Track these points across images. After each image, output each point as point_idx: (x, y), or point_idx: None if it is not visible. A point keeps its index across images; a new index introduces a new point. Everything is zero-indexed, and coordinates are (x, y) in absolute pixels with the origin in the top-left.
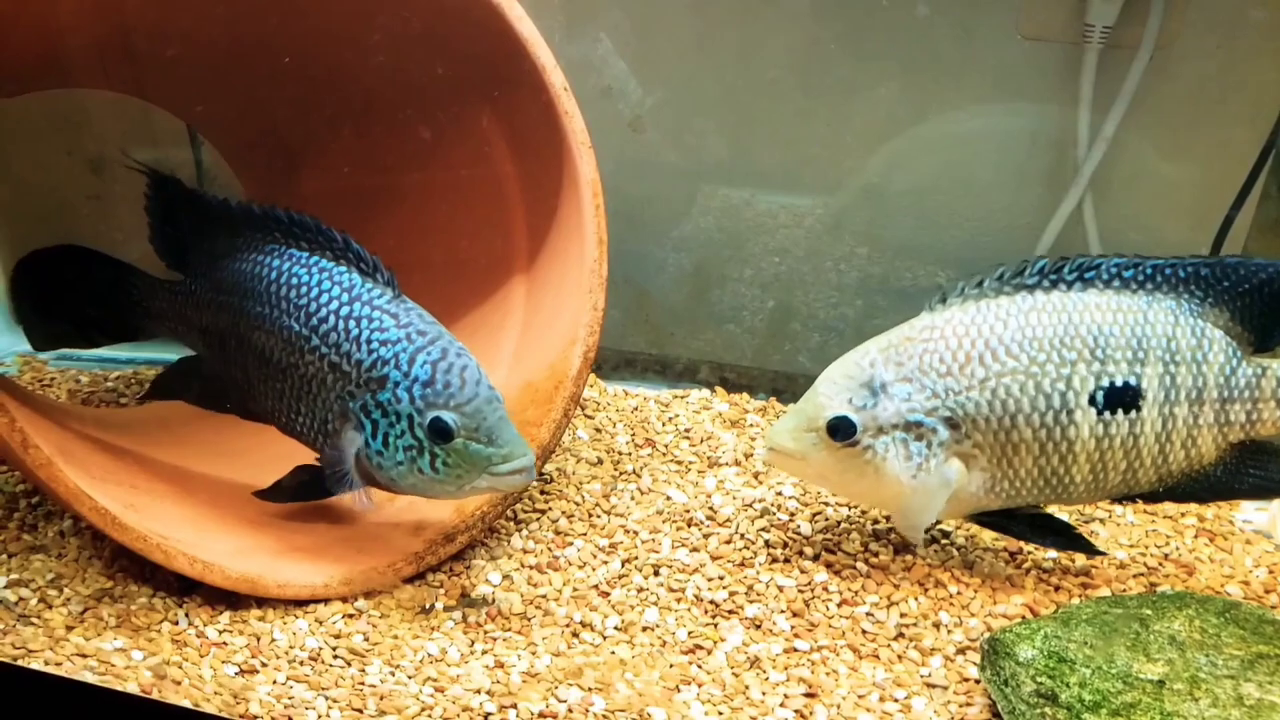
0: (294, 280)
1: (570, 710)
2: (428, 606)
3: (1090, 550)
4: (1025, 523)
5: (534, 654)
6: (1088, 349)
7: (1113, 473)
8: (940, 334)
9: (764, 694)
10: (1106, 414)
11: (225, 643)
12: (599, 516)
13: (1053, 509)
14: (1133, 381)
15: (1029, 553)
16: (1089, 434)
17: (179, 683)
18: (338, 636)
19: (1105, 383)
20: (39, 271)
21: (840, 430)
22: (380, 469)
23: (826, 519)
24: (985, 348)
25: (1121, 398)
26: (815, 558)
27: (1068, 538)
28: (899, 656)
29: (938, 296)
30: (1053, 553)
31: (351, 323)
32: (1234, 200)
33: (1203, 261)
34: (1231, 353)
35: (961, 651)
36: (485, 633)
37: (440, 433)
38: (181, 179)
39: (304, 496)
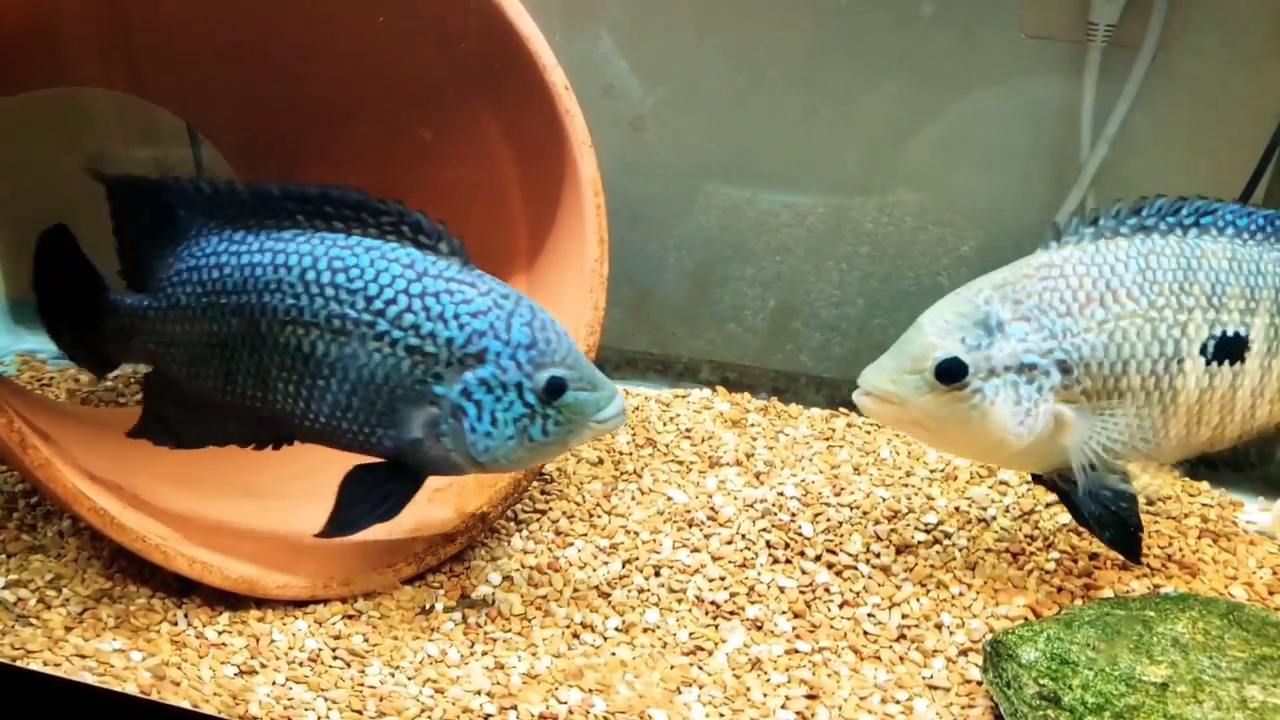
0: (339, 264)
1: (570, 712)
2: (428, 607)
3: (1135, 558)
4: (1100, 507)
5: (534, 655)
6: (1205, 296)
7: (1204, 428)
8: (1060, 272)
9: (765, 696)
10: (1214, 364)
11: (224, 643)
12: (599, 517)
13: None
14: (1243, 332)
15: (1031, 554)
16: (1194, 385)
17: (178, 683)
18: (337, 637)
19: (1218, 332)
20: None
21: (952, 372)
22: (480, 449)
23: (828, 520)
24: (1106, 289)
25: (1230, 348)
26: (817, 558)
27: (1127, 537)
28: (901, 658)
29: (1051, 233)
30: (1055, 554)
31: (430, 300)
32: (1238, 200)
33: None
34: None
35: (964, 653)
36: (485, 634)
37: (555, 390)
38: (137, 175)
39: (381, 514)
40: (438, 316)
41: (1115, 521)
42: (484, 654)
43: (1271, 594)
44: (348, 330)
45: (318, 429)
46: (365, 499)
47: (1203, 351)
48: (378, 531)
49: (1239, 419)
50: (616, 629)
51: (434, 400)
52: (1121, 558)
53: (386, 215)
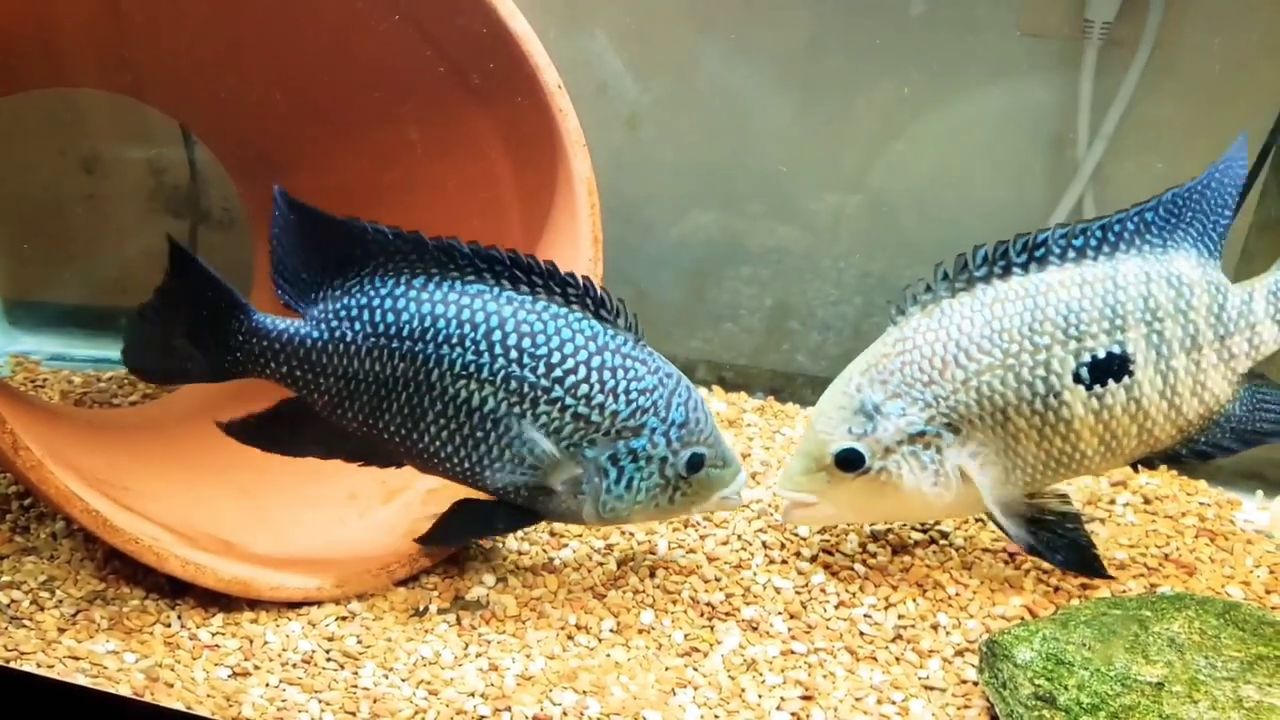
0: (526, 329)
1: (565, 714)
2: (421, 609)
3: (1099, 574)
4: (1048, 533)
5: (528, 657)
6: (1059, 330)
7: (1125, 439)
8: (913, 344)
9: (760, 697)
10: (1097, 387)
11: (218, 645)
12: None
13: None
14: (1116, 350)
15: None
16: (1084, 410)
17: (171, 685)
18: (331, 639)
19: (1086, 359)
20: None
21: (850, 461)
22: (608, 509)
23: None
24: (958, 349)
25: (1108, 368)
26: (813, 559)
27: (1081, 556)
28: (897, 659)
29: (894, 309)
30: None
31: (606, 374)
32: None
33: (1145, 207)
34: (1215, 290)
35: (960, 653)
36: (479, 635)
37: (694, 467)
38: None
39: (474, 533)
40: (610, 390)
41: (1065, 544)
42: (478, 655)
43: (1268, 593)
44: (523, 392)
45: (458, 472)
46: (471, 525)
47: (1078, 380)
48: (371, 533)
49: (1163, 422)
50: (611, 630)
51: (580, 461)
52: (1102, 576)
53: (572, 287)
